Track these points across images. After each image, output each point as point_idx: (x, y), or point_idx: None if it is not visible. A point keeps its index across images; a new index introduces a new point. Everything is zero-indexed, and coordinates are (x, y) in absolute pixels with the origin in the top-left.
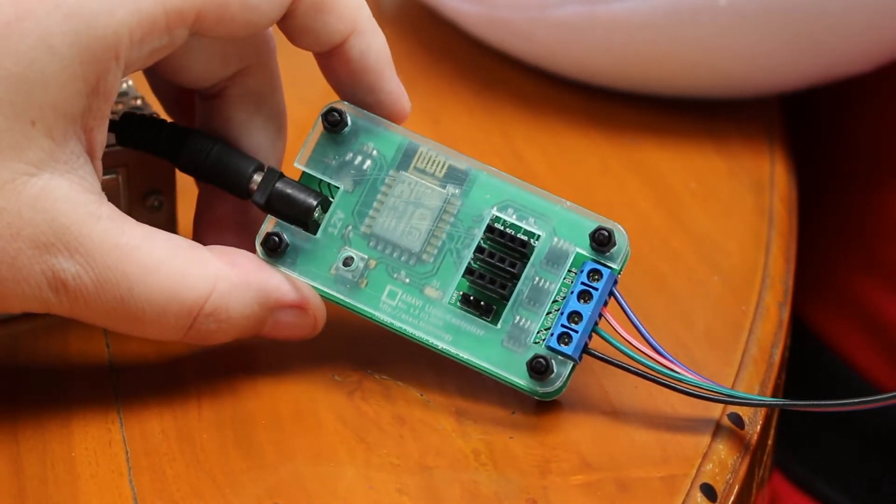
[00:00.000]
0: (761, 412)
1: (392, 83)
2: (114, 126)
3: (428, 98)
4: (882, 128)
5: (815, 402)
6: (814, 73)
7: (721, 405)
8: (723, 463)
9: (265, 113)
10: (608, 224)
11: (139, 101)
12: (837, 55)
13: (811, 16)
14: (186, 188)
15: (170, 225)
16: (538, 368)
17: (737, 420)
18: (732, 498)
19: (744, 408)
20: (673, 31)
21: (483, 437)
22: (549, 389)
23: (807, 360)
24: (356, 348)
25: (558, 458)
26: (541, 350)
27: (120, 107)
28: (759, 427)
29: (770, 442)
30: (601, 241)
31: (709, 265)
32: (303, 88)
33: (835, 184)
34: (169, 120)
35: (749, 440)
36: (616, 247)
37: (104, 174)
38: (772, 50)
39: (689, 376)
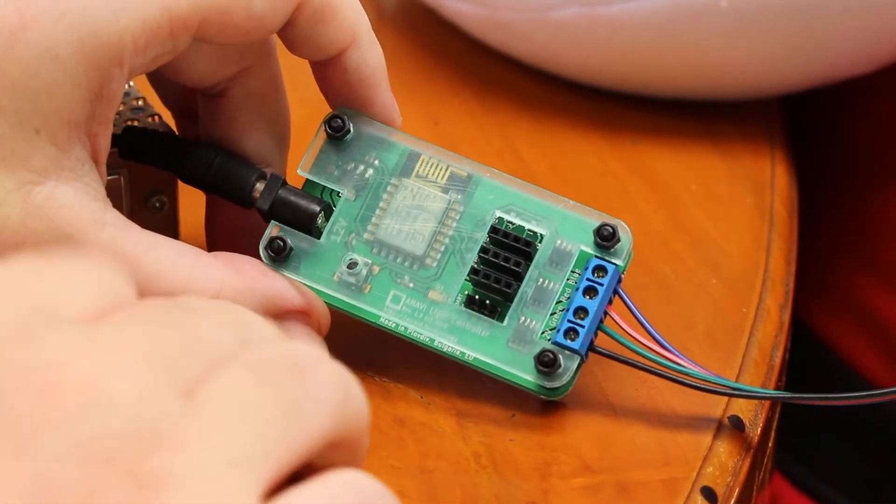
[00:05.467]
0: (762, 414)
1: (386, 97)
2: (116, 140)
3: (428, 99)
4: (882, 129)
5: (818, 395)
6: (814, 74)
7: (722, 407)
8: (723, 465)
9: (268, 113)
10: (612, 220)
11: (141, 102)
12: (838, 56)
13: (812, 17)
14: (189, 188)
15: (172, 226)
16: (546, 362)
17: (737, 422)
18: (733, 500)
19: (744, 410)
20: (674, 32)
21: (483, 440)
22: (557, 385)
23: (808, 362)
24: (356, 350)
25: (559, 461)
26: (547, 345)
27: (122, 108)
28: (759, 429)
29: (770, 444)
30: (605, 237)
31: (709, 267)
32: (303, 91)
33: (835, 185)
34: (172, 124)
35: (749, 442)
36: (620, 243)
37: (107, 175)
38: (772, 51)
39: (695, 370)
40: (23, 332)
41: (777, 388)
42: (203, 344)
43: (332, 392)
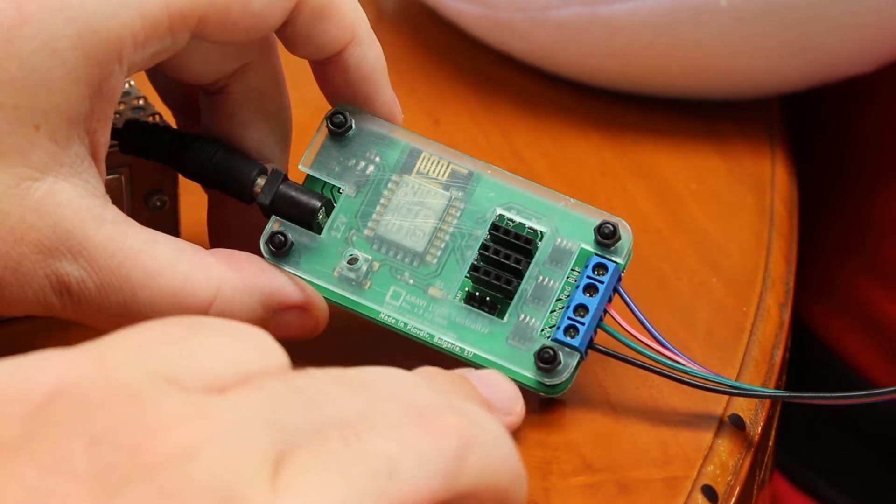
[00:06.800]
0: (762, 413)
1: (387, 94)
2: (117, 133)
3: (428, 98)
4: (882, 128)
5: (817, 395)
6: (814, 73)
7: (722, 406)
8: (724, 464)
9: (268, 109)
10: (612, 219)
11: (141, 101)
12: (837, 56)
13: (811, 16)
14: (190, 188)
15: (173, 225)
16: (546, 358)
17: (738, 421)
18: (734, 499)
19: (745, 409)
20: (673, 31)
21: None
22: (556, 382)
23: (808, 362)
24: (357, 350)
25: (559, 460)
26: (547, 342)
27: (122, 107)
28: (759, 428)
29: (771, 443)
30: (606, 235)
31: (709, 266)
32: (304, 90)
33: (835, 184)
34: (172, 122)
35: (750, 441)
36: (620, 241)
37: (107, 174)
38: (772, 50)
39: (694, 368)
40: (137, 393)
41: (777, 387)
42: (322, 411)
43: (446, 445)
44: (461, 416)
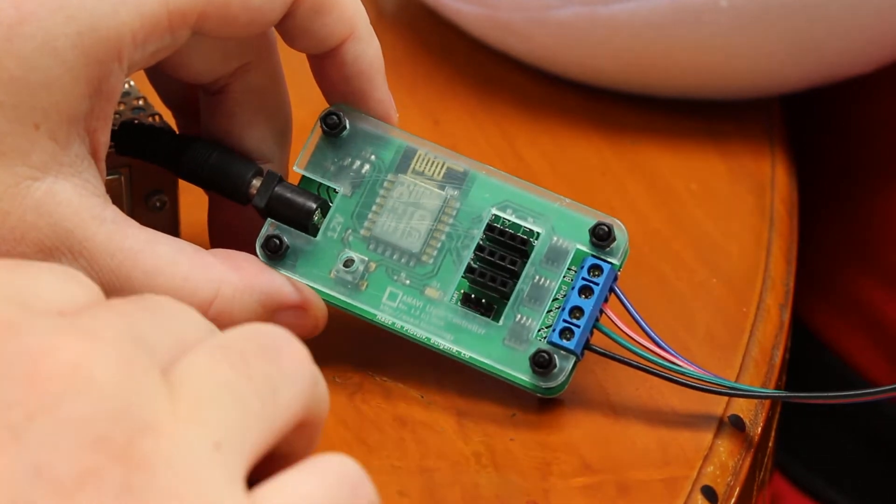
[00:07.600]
0: (762, 413)
1: (382, 91)
2: (112, 135)
3: (428, 98)
4: (883, 128)
5: (817, 394)
6: (814, 73)
7: (722, 407)
8: (724, 465)
9: (268, 109)
10: (607, 219)
11: (141, 102)
12: (837, 56)
13: (812, 16)
14: (190, 188)
15: (173, 225)
16: (541, 363)
17: (737, 422)
18: (734, 500)
19: (745, 410)
20: (673, 32)
21: (484, 439)
22: (552, 384)
23: (808, 362)
24: (357, 350)
25: (559, 460)
26: (543, 345)
27: (122, 107)
28: (759, 428)
29: (770, 444)
30: (601, 236)
31: (709, 266)
32: (304, 90)
33: (835, 185)
34: (172, 122)
35: (750, 441)
36: (616, 242)
37: (107, 175)
38: (772, 50)
39: (691, 369)
40: (2, 322)
41: (777, 387)
42: (174, 329)
43: (304, 370)
44: (304, 348)
